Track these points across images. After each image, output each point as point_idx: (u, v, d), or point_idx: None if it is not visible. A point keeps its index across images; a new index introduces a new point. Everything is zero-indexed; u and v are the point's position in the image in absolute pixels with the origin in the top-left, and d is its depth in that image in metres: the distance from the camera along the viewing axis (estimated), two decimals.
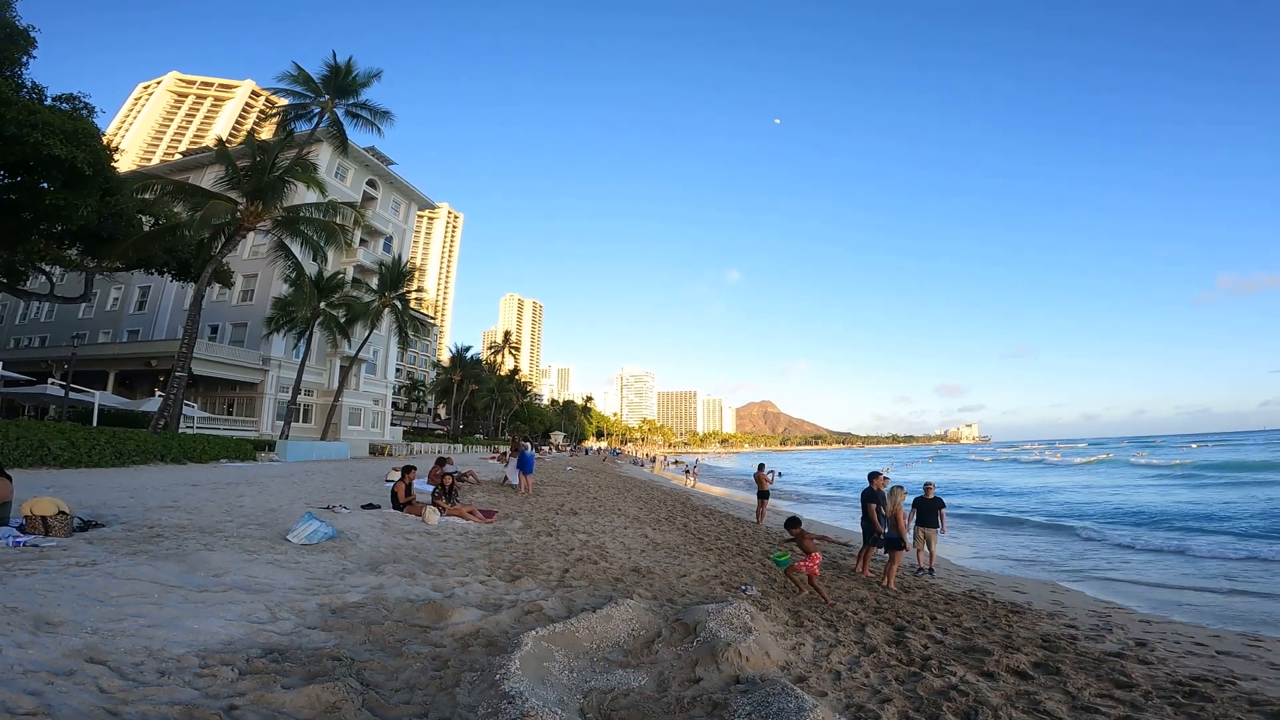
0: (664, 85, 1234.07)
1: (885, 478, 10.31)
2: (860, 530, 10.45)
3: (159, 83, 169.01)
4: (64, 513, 6.84)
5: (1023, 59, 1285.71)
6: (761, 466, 18.11)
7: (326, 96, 29.34)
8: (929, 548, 10.76)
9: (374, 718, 3.20)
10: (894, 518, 9.55)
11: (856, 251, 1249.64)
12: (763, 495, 17.39)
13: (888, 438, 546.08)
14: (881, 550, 10.07)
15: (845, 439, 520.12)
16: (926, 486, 10.98)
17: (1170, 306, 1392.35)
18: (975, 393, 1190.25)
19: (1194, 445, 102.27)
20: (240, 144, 26.92)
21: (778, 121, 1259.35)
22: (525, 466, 18.61)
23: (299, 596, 5.28)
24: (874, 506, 9.88)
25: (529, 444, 19.53)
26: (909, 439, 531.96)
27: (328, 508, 10.42)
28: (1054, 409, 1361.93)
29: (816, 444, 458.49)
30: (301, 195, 32.04)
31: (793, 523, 7.97)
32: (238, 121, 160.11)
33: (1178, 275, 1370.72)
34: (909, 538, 9.82)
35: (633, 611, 5.22)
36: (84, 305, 39.86)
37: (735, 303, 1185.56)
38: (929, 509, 10.69)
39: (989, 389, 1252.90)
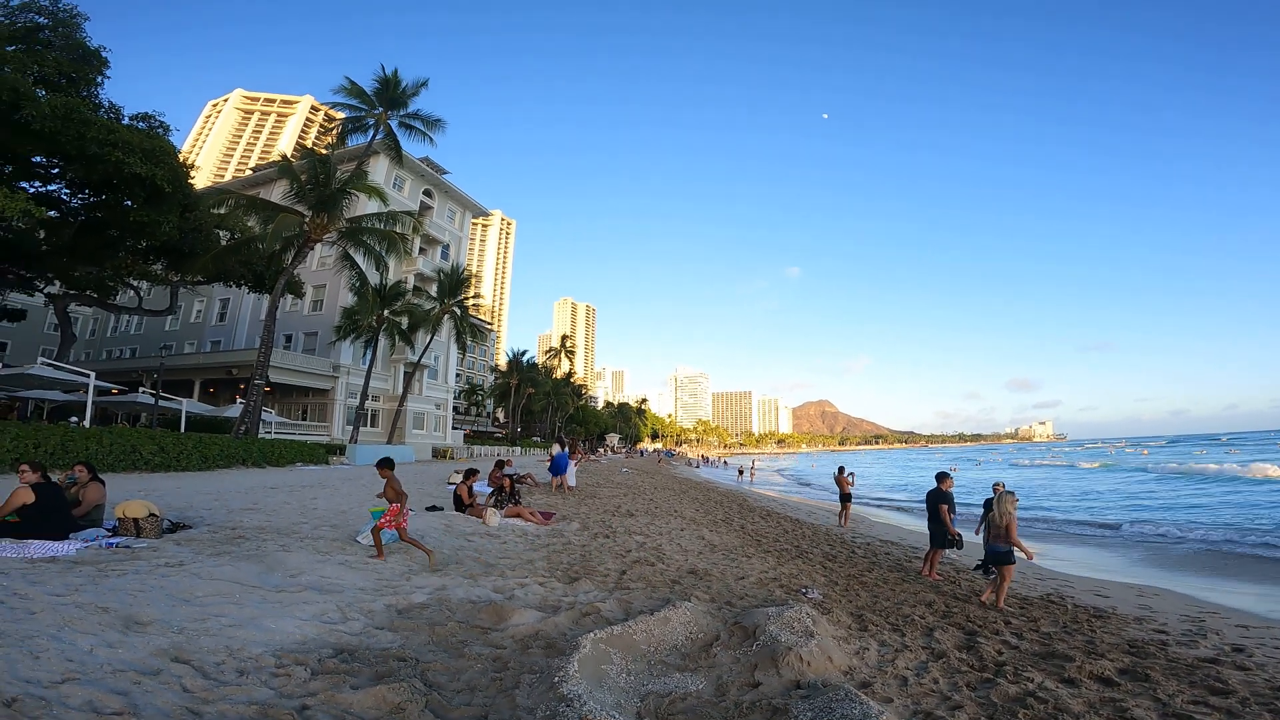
0: (720, 83, 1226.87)
1: (953, 479, 9.98)
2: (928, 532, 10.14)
3: (226, 100, 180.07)
4: (154, 515, 7.27)
5: (1110, 57, 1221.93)
6: (841, 469, 17.53)
7: (380, 109, 30.26)
8: None
9: (436, 719, 3.27)
10: (1006, 529, 7.82)
11: (922, 246, 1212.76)
12: (845, 498, 16.94)
13: (954, 436, 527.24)
14: (950, 551, 9.82)
15: (907, 438, 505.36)
16: (995, 486, 10.57)
17: (1265, 293, 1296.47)
18: (1050, 388, 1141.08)
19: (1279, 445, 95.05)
20: (301, 159, 28.03)
21: (825, 117, 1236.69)
22: (557, 468, 18.69)
23: (368, 597, 5.46)
24: (944, 508, 9.57)
25: (559, 444, 19.65)
26: (976, 437, 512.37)
27: None
28: (1138, 404, 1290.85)
29: (877, 444, 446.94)
30: (363, 207, 33.26)
31: (385, 463, 7.28)
32: (301, 135, 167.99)
33: (1272, 260, 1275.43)
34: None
35: (690, 614, 5.17)
36: (170, 318, 42.50)
37: (794, 300, 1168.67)
38: None
39: (1065, 384, 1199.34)
